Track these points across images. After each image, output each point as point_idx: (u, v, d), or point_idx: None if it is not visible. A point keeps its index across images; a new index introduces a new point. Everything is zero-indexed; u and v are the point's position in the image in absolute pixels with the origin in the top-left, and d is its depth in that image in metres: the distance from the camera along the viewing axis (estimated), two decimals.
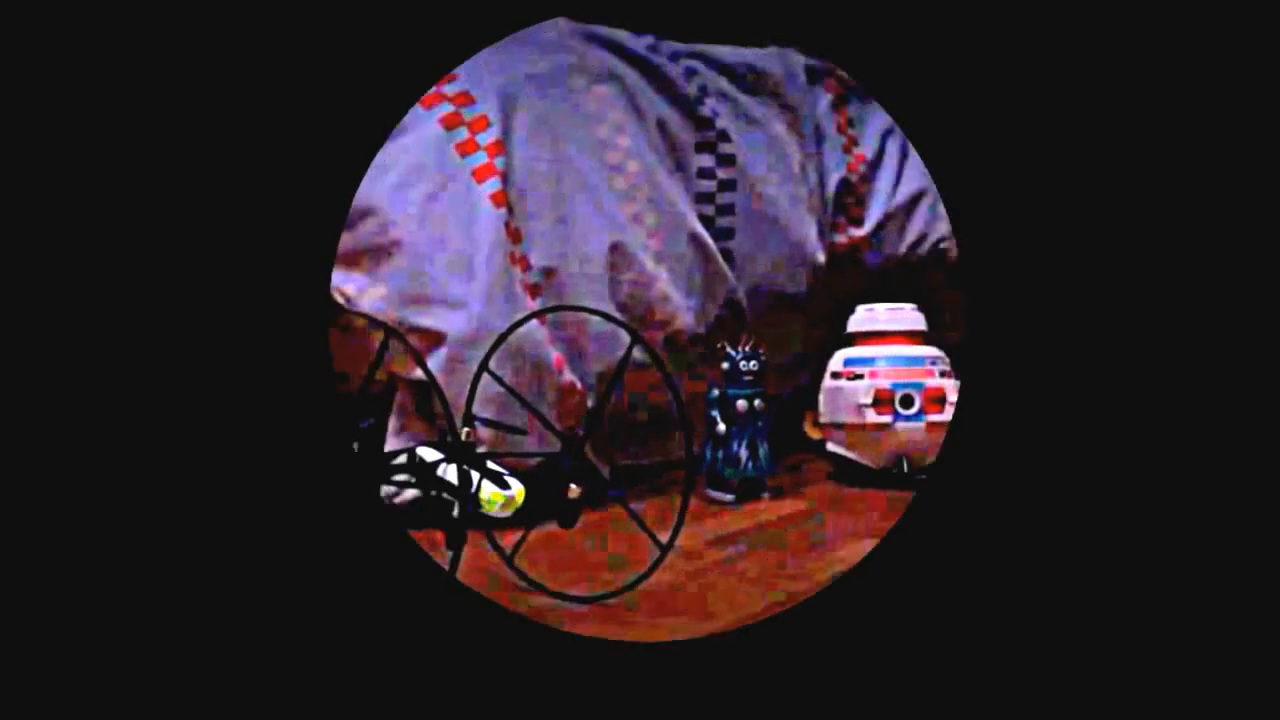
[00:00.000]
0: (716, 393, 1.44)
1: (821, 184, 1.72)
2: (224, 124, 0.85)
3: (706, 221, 1.52)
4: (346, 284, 1.24)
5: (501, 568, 1.03)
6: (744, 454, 1.43)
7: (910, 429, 1.51)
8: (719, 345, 1.46)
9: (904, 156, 1.87)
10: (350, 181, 1.12)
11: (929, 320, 1.59)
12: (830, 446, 1.56)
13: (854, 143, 1.80)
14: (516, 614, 0.91)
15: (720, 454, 1.43)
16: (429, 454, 0.92)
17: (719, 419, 1.43)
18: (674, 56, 1.54)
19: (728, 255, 1.56)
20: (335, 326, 1.26)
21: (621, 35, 1.48)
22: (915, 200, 1.87)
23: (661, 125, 1.46)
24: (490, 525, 0.96)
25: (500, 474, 0.91)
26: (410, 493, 1.24)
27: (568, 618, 0.93)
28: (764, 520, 1.31)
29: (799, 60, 1.74)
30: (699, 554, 1.15)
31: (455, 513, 0.87)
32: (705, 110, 1.53)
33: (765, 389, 1.44)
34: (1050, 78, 0.89)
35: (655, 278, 1.40)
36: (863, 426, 1.51)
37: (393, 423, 1.27)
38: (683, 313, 1.44)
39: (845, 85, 1.81)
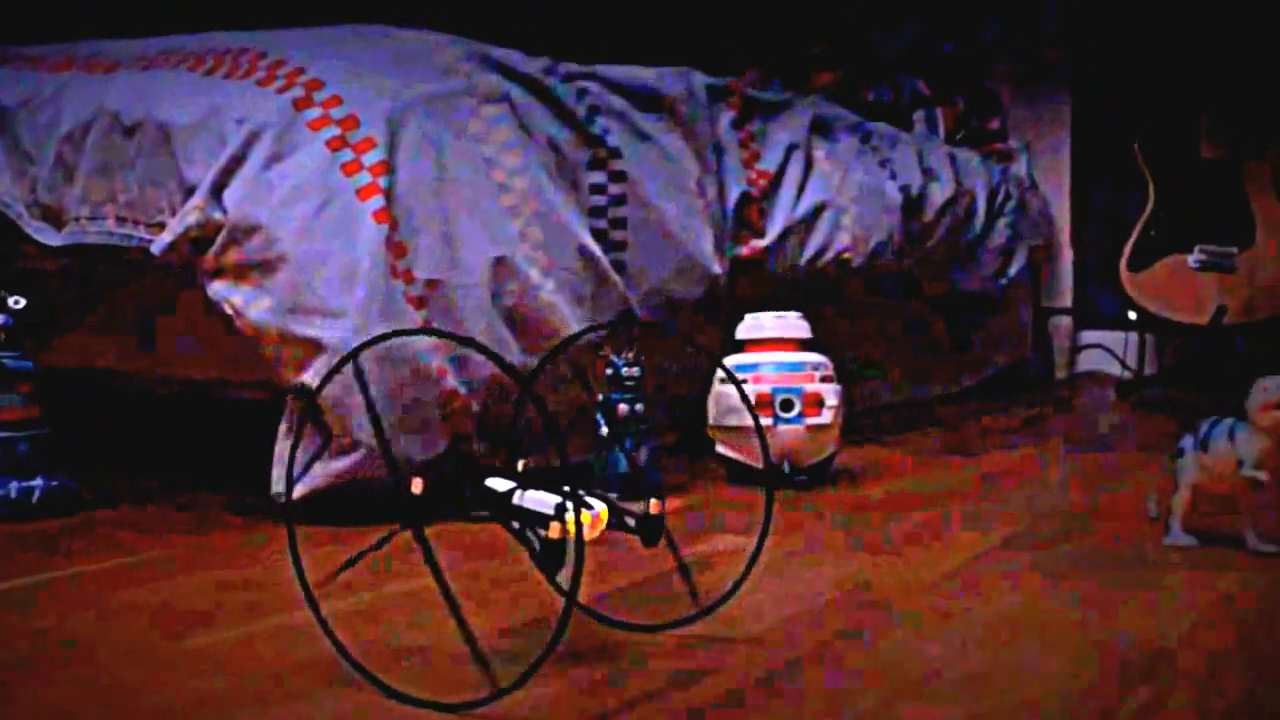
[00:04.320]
0: (601, 398, 1.52)
1: (721, 197, 1.80)
2: None
3: (599, 235, 1.60)
4: (235, 295, 1.32)
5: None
6: (624, 455, 1.50)
7: (790, 431, 1.58)
8: (603, 353, 1.54)
9: (807, 170, 1.95)
10: None
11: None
12: (719, 448, 1.64)
13: (756, 158, 1.88)
14: None
15: (604, 456, 1.51)
16: (500, 484, 0.88)
17: (602, 423, 1.51)
18: (568, 77, 1.62)
19: (620, 266, 1.64)
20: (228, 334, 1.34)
21: (515, 58, 1.56)
22: (817, 212, 1.95)
23: (552, 144, 1.54)
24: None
25: (581, 496, 0.85)
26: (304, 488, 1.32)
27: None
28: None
29: (701, 79, 1.82)
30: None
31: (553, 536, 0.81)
32: (596, 129, 1.61)
33: (646, 394, 1.52)
34: None
35: (541, 289, 1.48)
36: (744, 429, 1.59)
37: (282, 427, 1.35)
38: (570, 322, 1.51)
39: (748, 101, 1.89)
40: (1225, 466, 1.22)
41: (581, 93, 1.62)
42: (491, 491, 0.87)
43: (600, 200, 1.61)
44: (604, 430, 1.51)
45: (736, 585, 0.96)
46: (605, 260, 1.58)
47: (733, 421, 1.60)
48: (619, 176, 1.63)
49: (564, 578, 0.85)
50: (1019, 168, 2.94)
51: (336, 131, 1.36)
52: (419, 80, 1.45)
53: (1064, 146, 3.19)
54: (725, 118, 1.85)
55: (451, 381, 1.39)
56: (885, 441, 2.02)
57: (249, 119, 1.35)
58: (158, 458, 1.77)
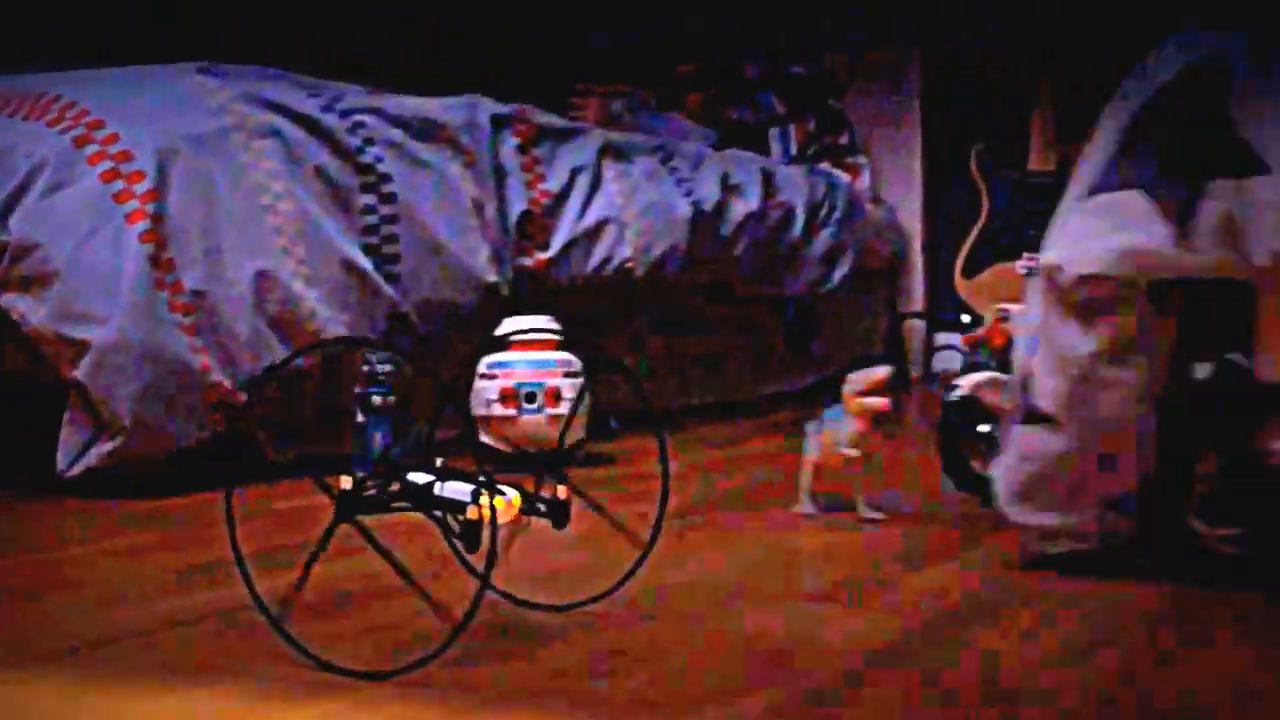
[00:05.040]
0: (357, 390, 1.75)
1: (503, 215, 2.03)
2: None
3: (371, 249, 1.84)
4: (19, 305, 1.57)
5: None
6: (378, 442, 1.74)
7: (532, 421, 1.82)
8: (362, 352, 1.77)
9: (594, 188, 2.18)
10: None
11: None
12: (481, 435, 1.88)
13: (541, 179, 2.12)
14: None
15: (360, 440, 1.75)
16: (420, 477, 0.97)
17: (359, 412, 1.75)
18: (345, 113, 1.86)
19: (395, 278, 1.87)
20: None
21: (292, 98, 1.80)
22: (600, 226, 2.18)
23: (321, 171, 1.78)
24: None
25: (496, 484, 0.93)
26: None
27: None
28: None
29: (487, 109, 2.06)
30: None
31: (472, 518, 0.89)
32: (368, 157, 1.85)
33: (399, 388, 1.75)
34: None
35: (304, 298, 1.72)
36: (492, 419, 1.83)
37: (66, 415, 1.59)
38: (332, 326, 1.75)
39: (536, 129, 2.13)
40: (832, 445, 1.45)
41: (356, 125, 1.86)
42: (413, 484, 0.96)
43: (372, 219, 1.85)
44: (360, 419, 1.74)
45: (635, 565, 1.05)
46: (375, 273, 1.82)
47: (483, 412, 1.84)
48: (389, 198, 1.86)
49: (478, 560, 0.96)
50: (863, 180, 3.17)
51: (111, 165, 1.60)
52: (193, 119, 1.69)
53: (916, 158, 3.42)
54: (511, 143, 2.09)
55: (217, 376, 1.63)
56: (674, 432, 2.25)
57: (35, 154, 1.60)
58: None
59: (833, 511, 1.47)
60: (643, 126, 2.94)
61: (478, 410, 1.85)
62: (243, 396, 1.67)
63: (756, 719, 0.76)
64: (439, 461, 0.99)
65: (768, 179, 2.65)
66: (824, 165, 3.13)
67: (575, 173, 2.16)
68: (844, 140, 3.26)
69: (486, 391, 1.83)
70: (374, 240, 1.85)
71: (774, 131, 3.21)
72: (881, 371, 1.42)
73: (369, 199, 1.85)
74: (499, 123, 2.07)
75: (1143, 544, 1.19)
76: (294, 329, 1.72)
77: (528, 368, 1.84)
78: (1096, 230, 1.12)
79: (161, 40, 2.62)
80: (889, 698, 0.80)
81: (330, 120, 1.82)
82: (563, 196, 2.13)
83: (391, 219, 1.87)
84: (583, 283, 2.16)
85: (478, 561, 0.97)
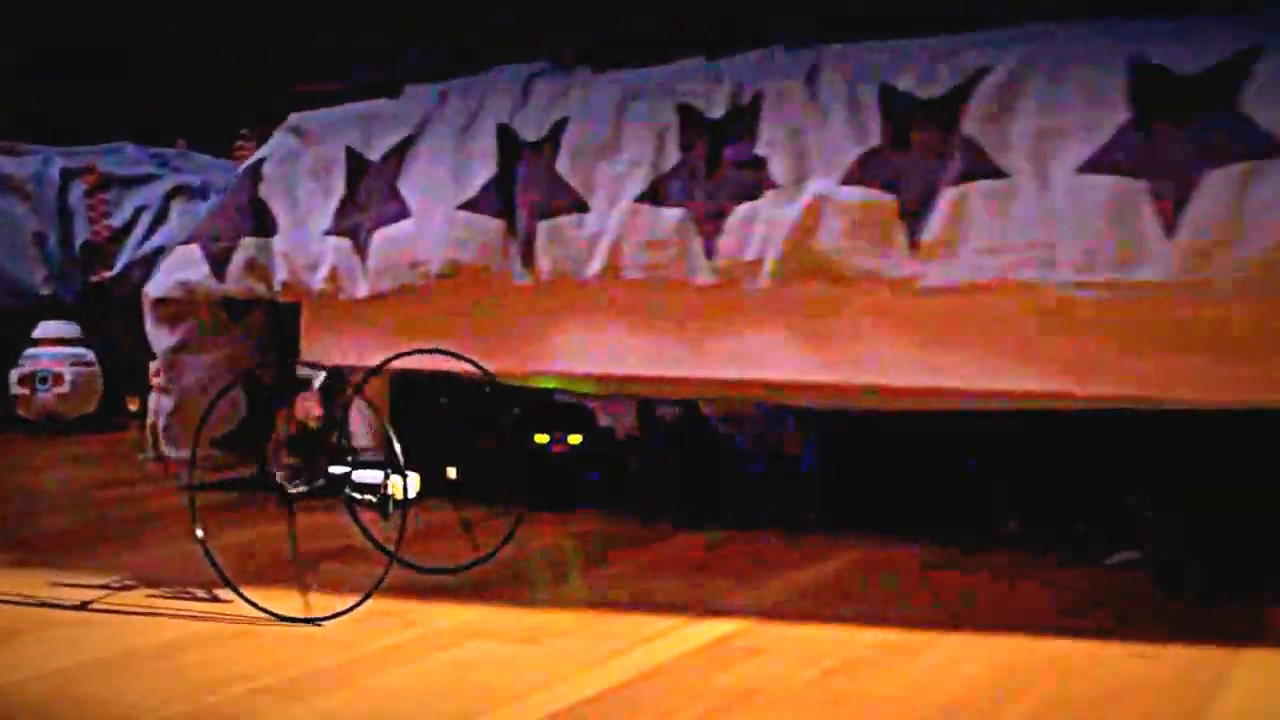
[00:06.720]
0: None
1: (66, 244, 2.71)
2: None
3: None
4: None
5: None
6: None
7: (45, 396, 2.50)
8: None
9: (155, 224, 2.86)
10: None
11: None
12: (18, 410, 2.56)
13: (105, 216, 2.79)
14: None
15: None
16: (337, 469, 1.22)
17: None
18: None
19: None
20: None
21: None
22: (158, 252, 2.85)
23: None
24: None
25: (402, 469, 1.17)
26: None
27: None
28: None
29: (58, 164, 2.74)
30: None
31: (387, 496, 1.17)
32: None
33: None
34: None
35: None
36: (19, 396, 2.51)
37: None
38: None
39: (104, 178, 2.80)
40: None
41: None
42: (334, 474, 1.21)
43: None
44: None
45: (507, 537, 1.37)
46: None
47: (15, 391, 2.51)
48: None
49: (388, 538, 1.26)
50: None
51: None
52: None
53: None
54: (79, 189, 2.76)
55: None
56: None
57: None
58: None
59: None
60: None
61: (12, 390, 2.53)
62: None
63: None
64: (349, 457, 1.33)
65: None
66: None
67: (139, 211, 2.83)
68: None
69: (10, 375, 2.51)
70: None
71: None
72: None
73: None
74: (70, 174, 2.75)
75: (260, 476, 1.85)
76: None
77: (44, 358, 2.52)
78: (169, 268, 1.78)
79: None
80: None
81: None
82: (126, 230, 2.81)
83: None
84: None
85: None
